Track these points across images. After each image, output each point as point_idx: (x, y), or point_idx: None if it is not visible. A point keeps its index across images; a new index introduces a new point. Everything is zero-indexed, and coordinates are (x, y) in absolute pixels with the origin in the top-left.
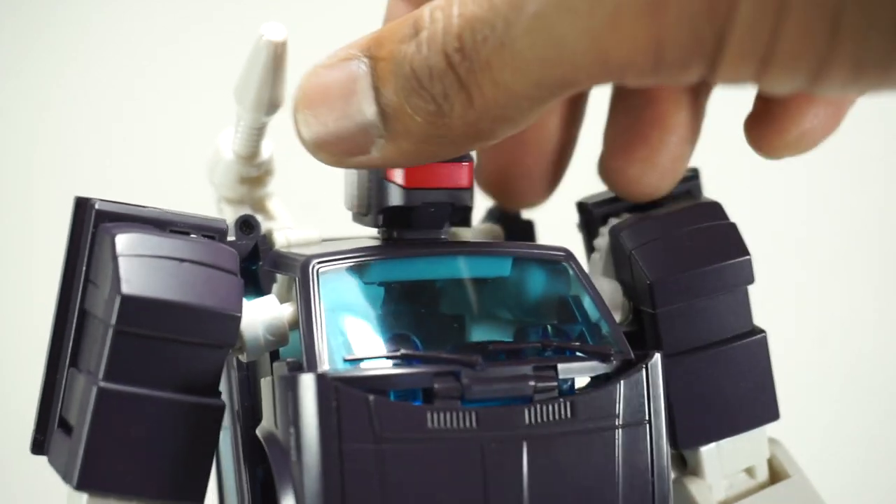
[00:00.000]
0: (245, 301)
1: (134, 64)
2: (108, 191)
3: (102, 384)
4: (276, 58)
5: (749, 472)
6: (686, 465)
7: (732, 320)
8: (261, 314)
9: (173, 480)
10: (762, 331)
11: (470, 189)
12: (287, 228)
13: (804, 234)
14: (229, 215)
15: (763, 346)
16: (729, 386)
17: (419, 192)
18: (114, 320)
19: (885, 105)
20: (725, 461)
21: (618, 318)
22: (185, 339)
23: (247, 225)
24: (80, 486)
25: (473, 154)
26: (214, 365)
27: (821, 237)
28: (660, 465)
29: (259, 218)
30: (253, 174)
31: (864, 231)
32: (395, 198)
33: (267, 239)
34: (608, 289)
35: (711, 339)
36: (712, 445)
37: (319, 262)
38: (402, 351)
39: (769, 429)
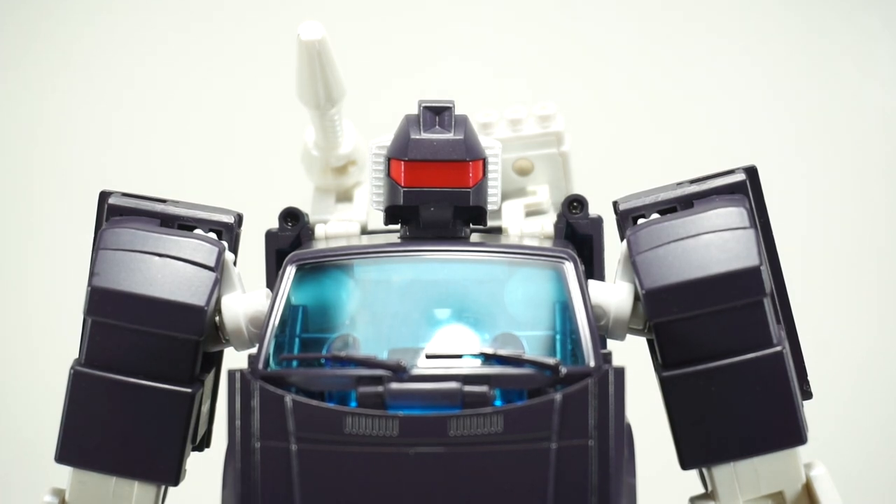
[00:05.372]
0: (234, 294)
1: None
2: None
3: (76, 368)
4: (317, 56)
5: (777, 497)
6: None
7: (741, 335)
8: (244, 307)
9: (145, 461)
10: (776, 346)
11: (477, 188)
12: (329, 222)
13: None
14: (320, 204)
15: (777, 363)
16: (736, 405)
17: (416, 192)
18: (84, 310)
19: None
20: (743, 485)
21: (635, 325)
22: (151, 329)
23: (291, 216)
24: (59, 460)
25: (486, 151)
26: (184, 354)
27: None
28: (604, 490)
29: (343, 206)
30: (333, 165)
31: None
32: (396, 197)
33: (311, 231)
34: (621, 294)
35: (713, 353)
36: (728, 467)
37: (297, 260)
38: (334, 353)
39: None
